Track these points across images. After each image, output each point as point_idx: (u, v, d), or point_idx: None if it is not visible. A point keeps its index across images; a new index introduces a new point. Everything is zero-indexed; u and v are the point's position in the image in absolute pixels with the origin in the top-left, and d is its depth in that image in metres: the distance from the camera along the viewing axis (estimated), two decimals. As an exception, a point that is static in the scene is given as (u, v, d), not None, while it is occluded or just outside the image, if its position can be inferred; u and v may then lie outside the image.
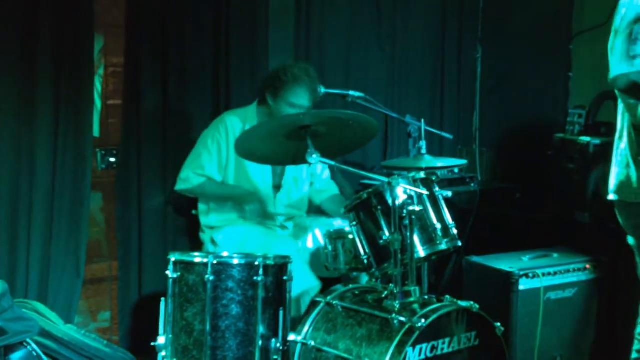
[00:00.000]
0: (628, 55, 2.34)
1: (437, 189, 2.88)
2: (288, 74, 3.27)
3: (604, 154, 3.56)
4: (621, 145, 2.60)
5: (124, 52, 3.58)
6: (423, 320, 2.41)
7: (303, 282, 3.02)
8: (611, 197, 2.66)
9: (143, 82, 3.57)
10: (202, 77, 3.77)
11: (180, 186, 3.41)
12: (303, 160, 2.75)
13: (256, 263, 2.65)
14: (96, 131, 3.63)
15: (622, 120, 2.62)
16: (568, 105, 4.34)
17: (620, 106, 2.63)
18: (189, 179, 3.38)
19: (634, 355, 2.64)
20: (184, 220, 3.71)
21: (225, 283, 2.63)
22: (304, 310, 3.11)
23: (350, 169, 2.81)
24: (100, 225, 3.82)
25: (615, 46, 2.41)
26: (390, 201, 2.67)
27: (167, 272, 2.70)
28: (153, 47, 3.59)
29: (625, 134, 2.58)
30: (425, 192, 2.72)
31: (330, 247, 2.95)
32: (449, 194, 3.12)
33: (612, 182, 2.65)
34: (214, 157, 3.36)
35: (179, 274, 2.68)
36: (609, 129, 3.70)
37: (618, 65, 2.36)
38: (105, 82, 3.70)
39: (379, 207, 2.73)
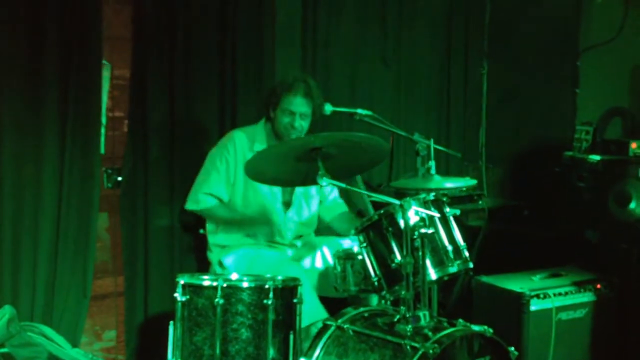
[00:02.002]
0: None
1: (447, 209, 2.85)
2: (283, 84, 3.34)
3: (614, 172, 3.55)
4: None
5: (129, 66, 3.56)
6: (436, 346, 2.38)
7: (311, 314, 2.98)
8: None
9: (149, 97, 3.55)
10: (209, 94, 3.75)
11: (190, 206, 3.41)
12: (313, 182, 2.73)
13: (266, 286, 2.61)
14: (102, 148, 3.61)
15: None
16: (575, 122, 4.31)
17: None
18: (198, 200, 3.37)
19: None
20: (191, 239, 3.67)
21: (235, 307, 2.59)
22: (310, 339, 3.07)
23: (361, 190, 2.78)
24: (105, 241, 3.80)
25: None
26: (401, 223, 2.63)
27: (176, 295, 2.66)
28: (159, 61, 3.56)
29: None
30: (437, 214, 2.69)
31: (339, 268, 2.91)
32: (458, 212, 3.09)
33: None
34: (222, 177, 3.35)
35: (187, 297, 2.64)
36: (619, 147, 3.69)
37: None
38: (110, 94, 3.67)
39: (390, 229, 2.71)
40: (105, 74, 3.60)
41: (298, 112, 3.29)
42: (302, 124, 3.32)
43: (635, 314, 3.41)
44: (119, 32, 3.62)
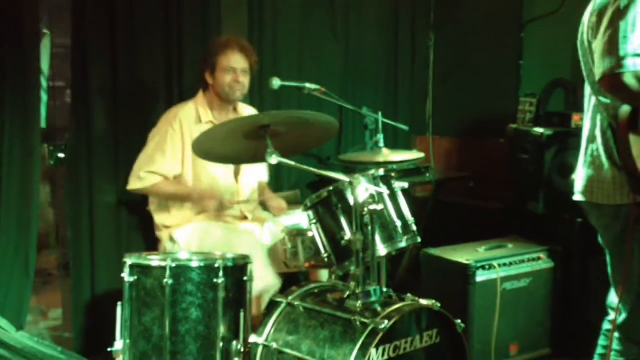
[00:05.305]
0: None
1: (395, 184, 2.87)
2: (216, 45, 3.34)
3: (557, 144, 3.63)
4: (592, 146, 2.51)
5: (70, 35, 3.43)
6: (386, 322, 2.41)
7: (263, 281, 2.98)
8: (578, 198, 2.61)
9: (91, 65, 3.42)
10: (154, 62, 3.63)
11: (133, 185, 3.30)
12: (262, 159, 2.70)
13: (216, 265, 2.59)
14: (44, 122, 3.50)
15: (592, 120, 2.53)
16: (519, 93, 4.38)
17: (590, 105, 2.57)
18: (141, 178, 3.27)
19: (599, 350, 2.68)
20: (138, 216, 3.60)
21: (184, 286, 2.57)
22: (264, 307, 3.07)
23: (311, 168, 2.77)
24: (49, 217, 3.71)
25: None
26: (350, 200, 2.64)
27: (123, 276, 2.63)
28: (101, 28, 3.43)
29: (598, 134, 2.50)
30: (386, 190, 2.70)
31: (290, 244, 2.90)
32: (406, 185, 3.13)
33: (580, 184, 2.60)
34: (168, 156, 3.26)
35: (135, 277, 2.61)
36: (562, 119, 3.76)
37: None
38: (50, 64, 3.56)
39: (339, 206, 2.71)
40: (45, 43, 3.49)
41: (239, 68, 3.30)
42: (244, 80, 3.32)
43: (577, 283, 3.52)
44: (58, 0, 3.49)
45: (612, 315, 2.63)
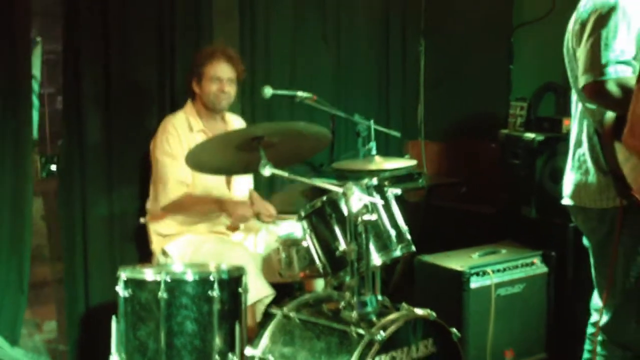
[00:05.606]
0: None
1: (388, 192, 2.87)
2: (203, 55, 3.36)
3: (548, 149, 3.65)
4: (579, 151, 2.56)
5: (61, 41, 3.40)
6: (382, 332, 2.41)
7: (257, 292, 2.98)
8: (566, 201, 2.65)
9: (83, 73, 3.40)
10: (147, 72, 3.61)
11: (163, 202, 3.25)
12: (254, 170, 2.70)
13: (211, 278, 2.59)
14: (35, 132, 3.48)
15: (579, 125, 2.57)
16: (510, 98, 4.39)
17: (577, 111, 2.60)
18: (167, 192, 3.23)
19: (585, 355, 2.70)
20: (132, 227, 3.59)
21: (179, 300, 2.57)
22: (259, 318, 3.08)
23: (305, 179, 2.77)
24: (42, 230, 3.70)
25: None
26: (344, 210, 2.64)
27: (118, 290, 2.62)
28: (93, 36, 3.41)
29: (584, 139, 2.55)
30: (380, 201, 2.71)
31: (284, 254, 2.90)
32: (399, 191, 3.14)
33: (568, 188, 2.64)
34: (176, 158, 3.23)
35: (130, 291, 2.61)
36: (552, 124, 3.78)
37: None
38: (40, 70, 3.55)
39: (333, 215, 2.71)
40: (36, 51, 3.47)
41: (225, 77, 3.31)
42: (230, 90, 3.33)
43: (571, 287, 3.54)
44: (49, 8, 3.48)
45: (594, 317, 2.65)
